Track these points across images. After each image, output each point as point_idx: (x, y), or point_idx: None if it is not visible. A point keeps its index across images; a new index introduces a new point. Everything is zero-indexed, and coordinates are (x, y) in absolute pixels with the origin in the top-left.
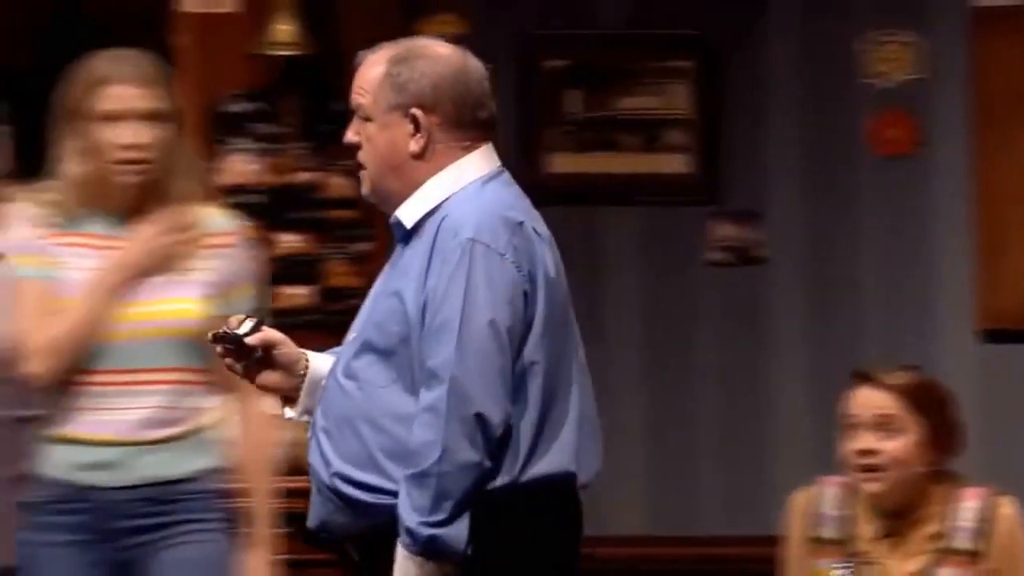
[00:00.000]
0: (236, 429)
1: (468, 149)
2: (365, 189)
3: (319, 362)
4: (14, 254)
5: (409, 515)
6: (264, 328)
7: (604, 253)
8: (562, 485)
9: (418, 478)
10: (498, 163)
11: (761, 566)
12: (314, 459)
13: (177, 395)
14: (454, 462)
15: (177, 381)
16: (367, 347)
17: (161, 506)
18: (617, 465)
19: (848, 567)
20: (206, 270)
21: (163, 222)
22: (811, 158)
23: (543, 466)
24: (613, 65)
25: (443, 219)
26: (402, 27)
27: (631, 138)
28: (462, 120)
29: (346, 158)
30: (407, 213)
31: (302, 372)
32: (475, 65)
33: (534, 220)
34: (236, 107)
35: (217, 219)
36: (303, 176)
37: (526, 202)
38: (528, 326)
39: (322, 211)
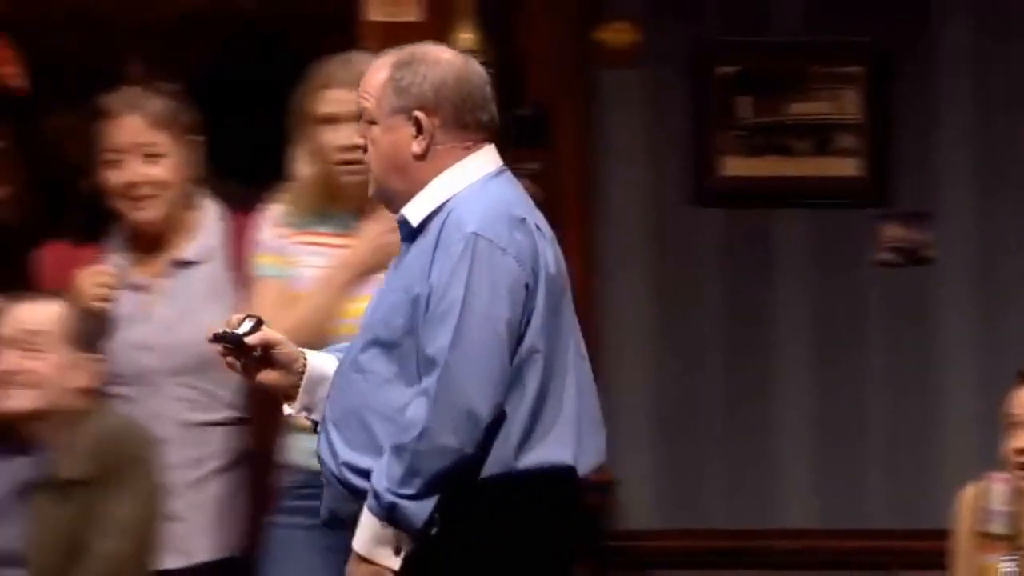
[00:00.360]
0: None
1: (470, 149)
2: (371, 190)
3: (317, 360)
4: (259, 254)
5: (380, 479)
6: (263, 328)
7: (774, 255)
8: (558, 476)
9: (397, 450)
10: (500, 163)
11: (928, 559)
12: (323, 451)
13: None
14: (432, 443)
15: None
16: (373, 341)
17: None
18: (786, 461)
19: (1015, 561)
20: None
21: (390, 220)
22: (981, 160)
23: (539, 456)
24: (784, 71)
25: (448, 215)
26: (579, 35)
27: (802, 142)
28: (463, 122)
29: (526, 161)
30: (413, 212)
31: (300, 370)
32: (476, 69)
33: (536, 217)
34: None
35: None
36: None
37: (529, 200)
38: (529, 318)
39: None
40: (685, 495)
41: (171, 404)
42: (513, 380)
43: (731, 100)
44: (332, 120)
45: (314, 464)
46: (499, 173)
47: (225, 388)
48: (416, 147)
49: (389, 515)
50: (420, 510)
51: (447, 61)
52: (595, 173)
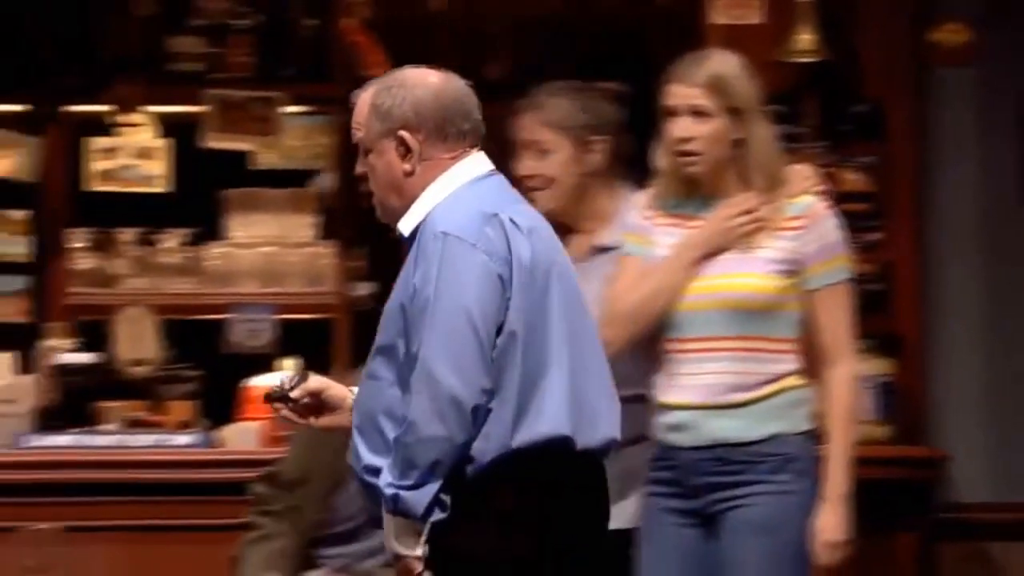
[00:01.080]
0: (819, 393)
1: (456, 159)
2: (377, 212)
3: None
4: (625, 232)
5: (384, 475)
6: (308, 379)
7: None
8: (554, 449)
9: (395, 444)
10: (488, 167)
11: None
12: (352, 456)
13: (745, 362)
14: (418, 435)
15: (743, 349)
16: (379, 349)
17: (730, 466)
18: None
19: None
20: (776, 249)
21: (738, 205)
22: None
23: (532, 432)
24: None
25: (428, 221)
26: (913, 35)
27: None
28: (445, 133)
29: (860, 154)
30: (405, 224)
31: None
32: (455, 83)
33: (513, 212)
34: None
35: (796, 202)
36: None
37: (510, 196)
38: (506, 304)
39: (837, 203)
40: (1014, 473)
41: None
42: (499, 365)
43: None
44: (672, 113)
45: (665, 438)
46: (486, 176)
47: (624, 367)
48: (406, 165)
49: (394, 507)
50: (420, 498)
51: (423, 81)
52: (926, 168)
